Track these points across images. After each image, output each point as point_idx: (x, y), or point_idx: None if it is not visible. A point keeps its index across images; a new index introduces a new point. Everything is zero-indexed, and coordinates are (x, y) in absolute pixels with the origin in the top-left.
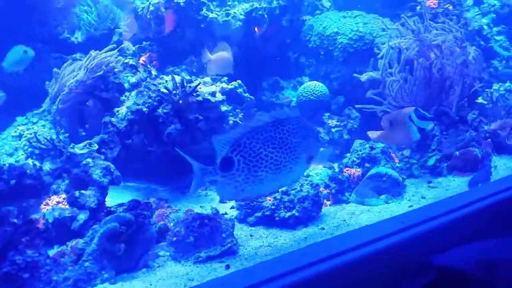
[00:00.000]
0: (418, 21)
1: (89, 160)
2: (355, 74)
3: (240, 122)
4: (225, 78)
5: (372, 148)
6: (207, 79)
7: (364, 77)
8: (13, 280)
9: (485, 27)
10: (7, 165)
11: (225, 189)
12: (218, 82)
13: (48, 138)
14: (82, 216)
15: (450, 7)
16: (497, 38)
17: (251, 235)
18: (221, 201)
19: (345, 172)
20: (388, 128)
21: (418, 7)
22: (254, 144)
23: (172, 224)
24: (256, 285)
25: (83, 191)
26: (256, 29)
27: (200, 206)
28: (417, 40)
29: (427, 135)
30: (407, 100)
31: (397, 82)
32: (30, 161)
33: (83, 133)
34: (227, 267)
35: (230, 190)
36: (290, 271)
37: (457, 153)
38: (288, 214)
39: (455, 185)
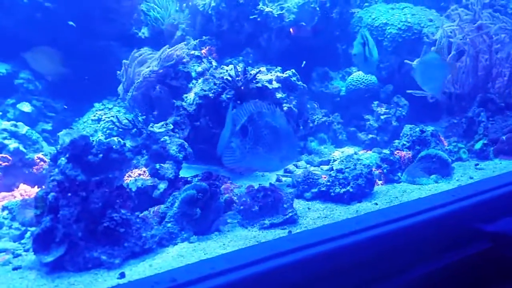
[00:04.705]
0: (467, 12)
1: (166, 137)
2: (406, 61)
3: (294, 109)
4: (279, 67)
5: (422, 131)
6: (263, 68)
7: (415, 63)
8: (112, 233)
9: None
10: (96, 141)
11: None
12: (273, 71)
13: (130, 119)
14: (162, 185)
15: None
16: None
17: (308, 208)
18: (277, 179)
19: (396, 154)
20: None
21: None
22: (260, 121)
23: (236, 197)
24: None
25: (162, 164)
26: (291, 29)
27: (259, 184)
28: (470, 29)
29: None
30: (456, 87)
31: None
32: (115, 139)
33: (152, 118)
34: (290, 233)
35: (237, 155)
36: (350, 232)
37: (503, 137)
38: (343, 190)
39: (501, 167)
